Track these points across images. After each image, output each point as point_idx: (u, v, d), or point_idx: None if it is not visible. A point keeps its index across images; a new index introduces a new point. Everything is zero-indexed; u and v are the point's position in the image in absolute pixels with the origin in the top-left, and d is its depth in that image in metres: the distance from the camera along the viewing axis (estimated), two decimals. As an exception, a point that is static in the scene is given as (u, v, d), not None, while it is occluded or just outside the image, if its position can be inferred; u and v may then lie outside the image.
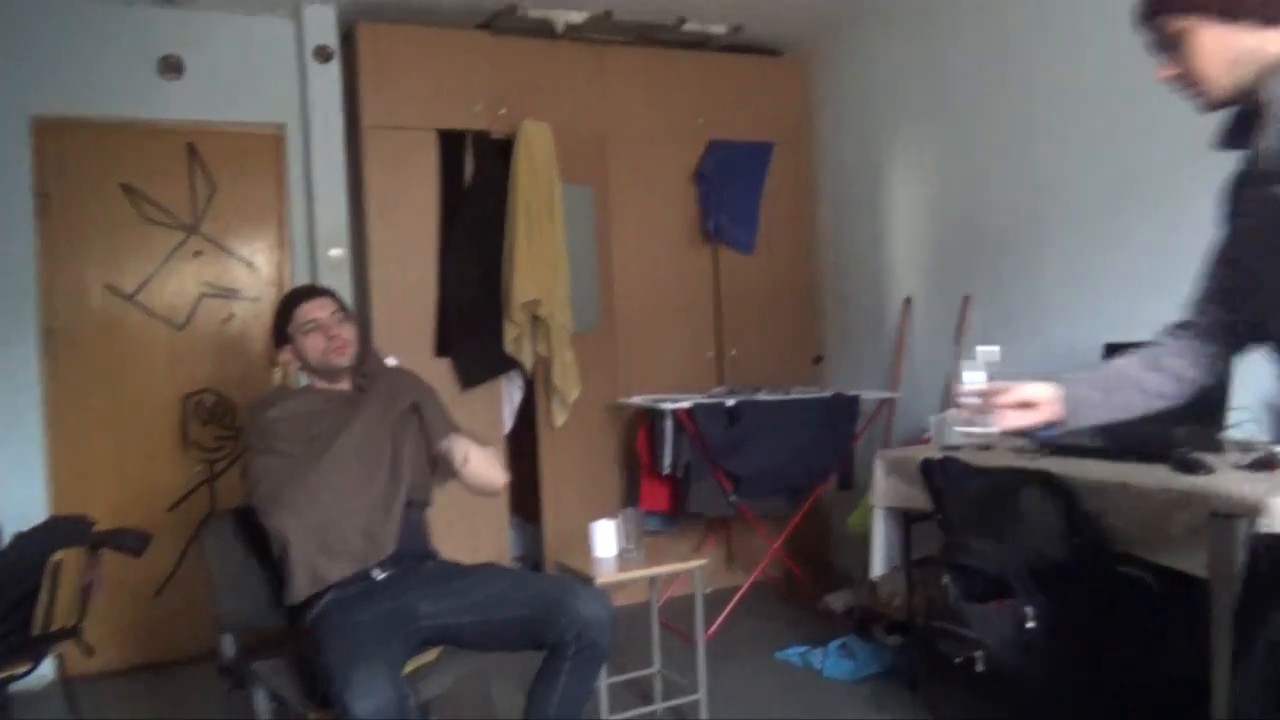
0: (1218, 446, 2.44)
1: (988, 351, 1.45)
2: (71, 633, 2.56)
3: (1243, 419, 2.54)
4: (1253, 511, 1.88)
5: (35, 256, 3.54)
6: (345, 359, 2.28)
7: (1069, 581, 2.31)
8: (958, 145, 3.80)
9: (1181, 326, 1.58)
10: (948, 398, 3.74)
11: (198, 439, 3.80)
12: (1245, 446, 2.44)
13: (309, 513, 2.09)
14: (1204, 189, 2.91)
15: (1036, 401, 1.51)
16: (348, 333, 2.30)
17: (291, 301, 2.36)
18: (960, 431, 1.47)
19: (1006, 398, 1.48)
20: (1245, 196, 1.41)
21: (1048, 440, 2.71)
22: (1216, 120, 2.81)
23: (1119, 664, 2.19)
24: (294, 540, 2.08)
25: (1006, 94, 3.54)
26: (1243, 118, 1.37)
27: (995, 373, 1.49)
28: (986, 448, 1.26)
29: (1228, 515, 1.83)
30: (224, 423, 3.83)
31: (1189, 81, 1.39)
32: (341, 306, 2.35)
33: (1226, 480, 2.11)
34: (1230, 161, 1.32)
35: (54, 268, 3.59)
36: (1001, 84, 3.57)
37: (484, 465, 2.24)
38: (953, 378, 3.77)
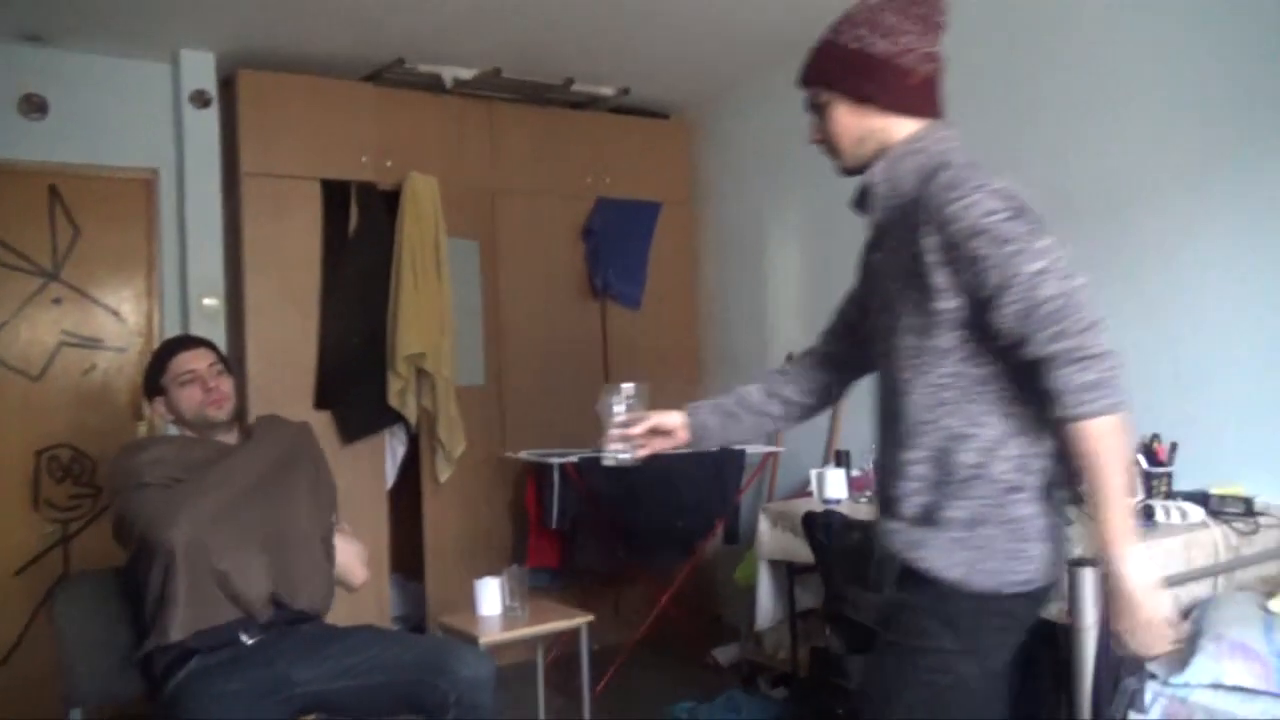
0: (1076, 499, 2.57)
1: (627, 388, 1.69)
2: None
3: (1097, 471, 2.70)
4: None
5: None
6: (223, 413, 2.19)
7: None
8: (832, 208, 3.92)
9: (805, 353, 1.79)
10: (829, 452, 3.85)
11: (51, 497, 3.55)
12: (1099, 498, 2.60)
13: (201, 539, 1.98)
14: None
15: (669, 428, 1.70)
16: (226, 385, 2.22)
17: (166, 352, 2.25)
18: (609, 459, 1.69)
19: (641, 427, 1.67)
20: (863, 257, 1.62)
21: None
22: (1076, 192, 3.02)
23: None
24: (182, 567, 1.95)
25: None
26: (866, 187, 1.52)
27: (632, 405, 1.69)
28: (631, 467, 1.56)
29: (1083, 563, 1.93)
30: (81, 480, 3.60)
31: (828, 147, 1.55)
32: (220, 358, 2.27)
33: (1082, 530, 2.23)
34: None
35: (-106, 313, 3.33)
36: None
37: (350, 560, 2.25)
38: (833, 431, 3.89)
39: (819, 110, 1.53)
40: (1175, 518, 2.27)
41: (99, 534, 3.54)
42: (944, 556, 1.41)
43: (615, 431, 1.67)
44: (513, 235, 4.23)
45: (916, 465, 1.44)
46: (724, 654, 3.86)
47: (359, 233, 3.83)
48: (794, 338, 4.20)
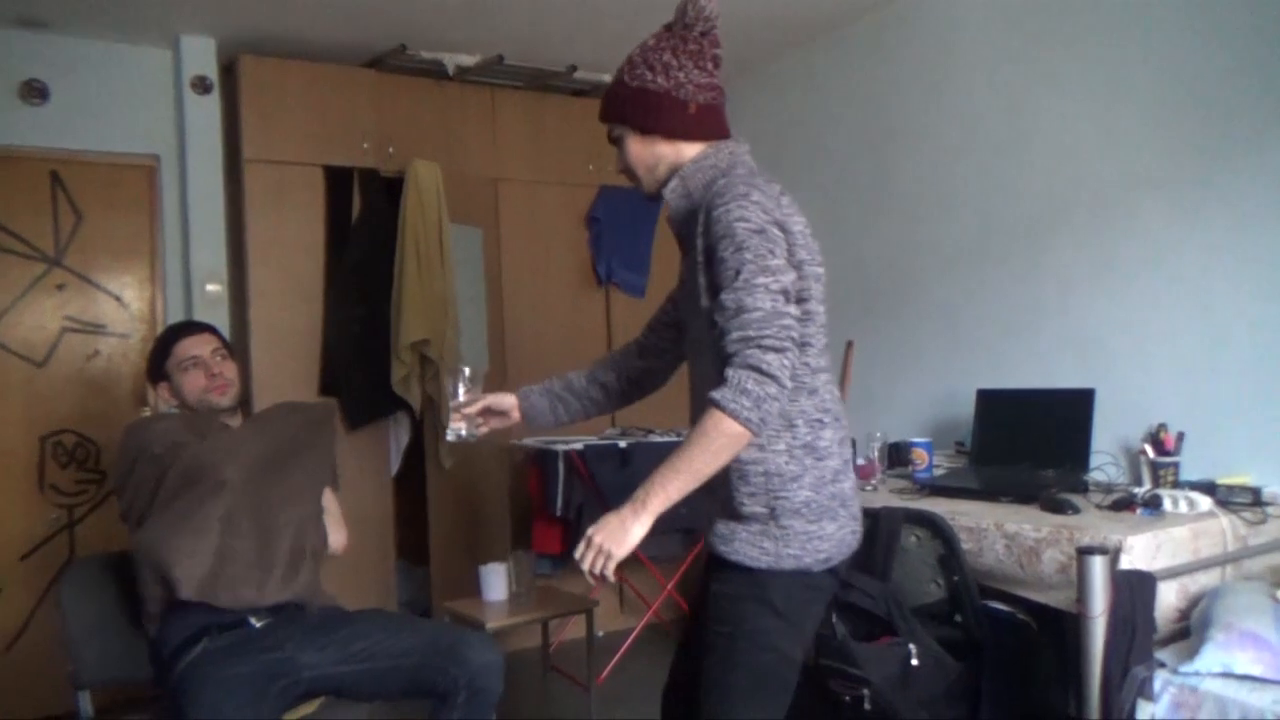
0: (1082, 487, 2.58)
1: (464, 371, 1.87)
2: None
3: (1103, 462, 2.71)
4: (1115, 549, 1.99)
5: (-126, 287, 3.28)
6: (227, 398, 2.19)
7: (948, 619, 2.39)
8: (840, 197, 3.96)
9: (630, 343, 1.93)
10: (832, 439, 3.85)
11: (56, 482, 3.55)
12: (1105, 488, 2.60)
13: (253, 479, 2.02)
14: (1064, 243, 3.13)
15: (503, 409, 1.87)
16: (230, 371, 2.22)
17: (170, 337, 2.25)
18: (451, 434, 1.85)
19: (476, 406, 1.83)
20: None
21: (928, 482, 2.83)
22: (1078, 184, 3.03)
23: (996, 698, 2.28)
24: (233, 503, 1.99)
25: (883, 146, 3.72)
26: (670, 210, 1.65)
27: (470, 388, 1.85)
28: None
29: (1093, 551, 1.93)
30: (86, 465, 3.60)
31: (629, 174, 1.69)
32: (224, 343, 2.26)
33: (1091, 520, 2.23)
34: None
35: (-104, 299, 3.32)
36: (877, 137, 3.74)
37: (331, 525, 2.25)
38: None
39: (617, 143, 1.68)
40: (1183, 507, 2.26)
41: (104, 519, 3.54)
42: (752, 548, 1.56)
43: (455, 411, 1.83)
44: (516, 223, 4.22)
45: None
46: (727, 641, 3.86)
47: (362, 219, 3.82)
48: (798, 325, 4.19)
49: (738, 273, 1.45)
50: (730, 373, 1.43)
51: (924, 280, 3.56)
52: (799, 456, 1.53)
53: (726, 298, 1.46)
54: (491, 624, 2.48)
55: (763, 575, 1.54)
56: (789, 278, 1.48)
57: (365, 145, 3.86)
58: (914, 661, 2.26)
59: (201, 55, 3.70)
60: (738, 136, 1.66)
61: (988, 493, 2.60)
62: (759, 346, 1.42)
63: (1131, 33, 2.83)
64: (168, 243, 3.75)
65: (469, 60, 3.98)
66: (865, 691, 2.30)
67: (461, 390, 1.85)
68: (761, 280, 1.44)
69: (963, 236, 3.40)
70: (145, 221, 3.75)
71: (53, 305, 3.59)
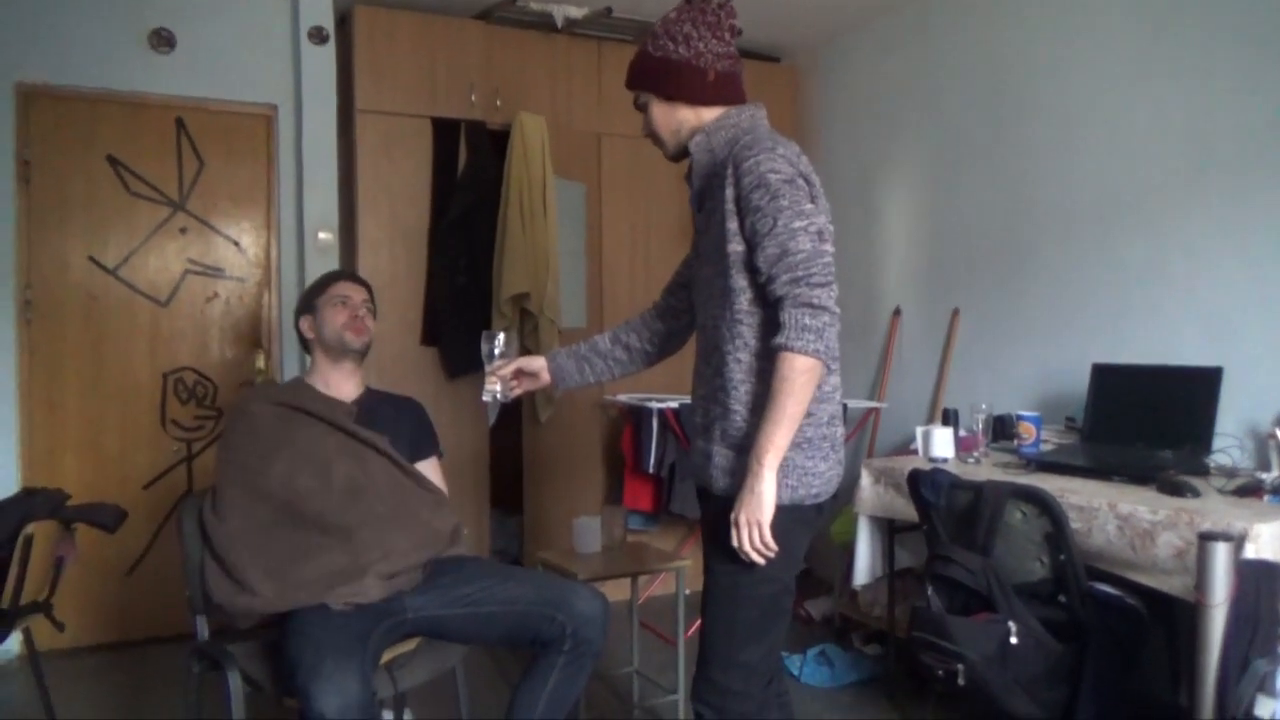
0: (1203, 470, 2.45)
1: (499, 336, 1.96)
2: (41, 607, 2.51)
3: (1227, 444, 2.57)
4: (1240, 536, 1.88)
5: (14, 224, 3.47)
6: (359, 342, 2.28)
7: (1051, 599, 2.32)
8: (950, 157, 3.81)
9: (651, 306, 2.02)
10: (935, 409, 3.76)
11: (177, 418, 3.74)
12: (1229, 472, 2.46)
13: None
14: (1193, 210, 2.95)
15: (533, 371, 1.98)
16: (369, 321, 2.33)
17: (332, 275, 2.40)
18: (486, 395, 1.94)
19: (508, 369, 1.94)
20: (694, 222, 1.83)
21: (1034, 457, 2.73)
22: (1215, 145, 2.86)
23: (1099, 683, 2.20)
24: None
25: (999, 108, 3.56)
26: (690, 161, 1.76)
27: (504, 351, 1.95)
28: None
29: (1216, 538, 1.84)
30: (204, 402, 3.78)
31: (654, 139, 1.81)
32: (373, 301, 2.39)
33: (1213, 504, 2.12)
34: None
35: (34, 237, 3.52)
36: (994, 98, 3.58)
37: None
38: (939, 389, 3.79)
39: (642, 109, 1.80)
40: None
41: (219, 455, 3.71)
42: None
43: (490, 373, 1.93)
44: (617, 178, 4.21)
45: (722, 395, 1.67)
46: (816, 607, 3.84)
47: (467, 171, 3.86)
48: (903, 293, 4.09)
49: (776, 220, 1.56)
50: (785, 315, 1.53)
51: (1038, 247, 3.41)
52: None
53: (769, 244, 1.56)
54: (583, 575, 2.51)
55: None
56: (822, 220, 1.59)
57: (473, 98, 3.89)
58: (1013, 640, 2.20)
59: (318, 5, 3.77)
60: (754, 101, 1.76)
61: (1100, 471, 2.49)
62: (807, 284, 1.53)
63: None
64: (283, 190, 3.87)
65: (577, 12, 3.95)
66: (959, 667, 2.25)
67: (496, 353, 1.94)
68: (799, 224, 1.55)
69: (1082, 201, 3.23)
70: (262, 169, 3.87)
71: (176, 248, 3.75)
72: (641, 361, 2.02)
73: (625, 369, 2.03)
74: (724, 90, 1.73)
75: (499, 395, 1.94)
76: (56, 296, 3.56)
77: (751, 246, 1.59)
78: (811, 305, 1.52)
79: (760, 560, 1.58)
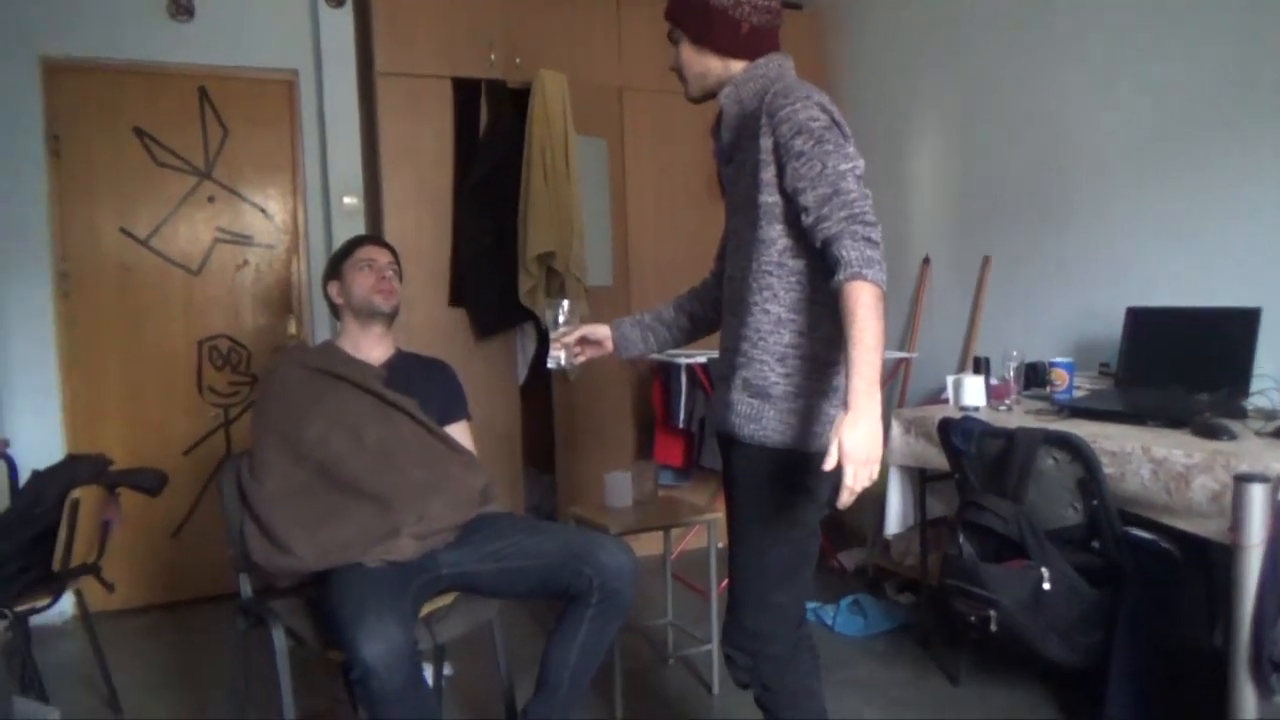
0: (1240, 413, 2.42)
1: (564, 303, 1.96)
2: (91, 568, 2.59)
3: (1266, 386, 2.52)
4: (1277, 477, 1.86)
5: (47, 198, 3.52)
6: (387, 305, 2.30)
7: (1085, 544, 2.31)
8: (979, 103, 3.73)
9: (711, 274, 1.99)
10: (966, 358, 3.72)
11: (213, 384, 3.80)
12: (1268, 414, 2.43)
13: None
14: (1231, 154, 2.89)
15: (597, 339, 1.98)
16: (396, 284, 2.35)
17: (356, 240, 2.41)
18: (551, 362, 1.96)
19: (573, 336, 1.94)
20: (720, 175, 1.81)
21: (1067, 403, 2.70)
22: (1256, 82, 2.78)
23: (1133, 628, 2.20)
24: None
25: (1030, 51, 3.47)
26: (719, 114, 1.74)
27: (568, 319, 1.95)
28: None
29: (1253, 479, 1.82)
30: (239, 369, 3.84)
31: (679, 75, 1.78)
32: (398, 263, 2.40)
33: (1250, 446, 2.10)
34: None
35: (66, 210, 3.57)
36: (1025, 41, 3.49)
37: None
38: (970, 338, 3.75)
39: (674, 42, 1.76)
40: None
41: (255, 420, 3.78)
42: (780, 424, 1.65)
43: (555, 340, 1.94)
44: (640, 134, 4.17)
45: (747, 345, 1.67)
46: (848, 558, 3.86)
47: (490, 131, 3.84)
48: (932, 241, 4.03)
49: (825, 163, 1.54)
50: (845, 249, 1.50)
51: (1070, 191, 3.34)
52: (835, 344, 1.59)
53: (820, 185, 1.54)
54: (615, 529, 2.54)
55: (786, 454, 1.62)
56: (861, 164, 1.58)
57: (492, 57, 3.86)
58: (1046, 585, 2.20)
59: (335, -32, 3.75)
60: (783, 52, 1.73)
61: (1134, 416, 2.47)
62: (863, 222, 1.52)
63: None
64: (307, 156, 3.88)
65: (595, -35, 3.89)
66: (992, 613, 2.26)
67: (561, 321, 1.94)
68: (846, 166, 1.55)
69: (1115, 143, 3.16)
70: (286, 135, 3.89)
71: (204, 217, 3.78)
72: (704, 329, 2.00)
73: (690, 336, 2.02)
74: (756, 44, 1.70)
75: (563, 362, 1.95)
76: (91, 268, 3.61)
77: (794, 192, 1.57)
78: (870, 240, 1.51)
79: (858, 484, 1.47)
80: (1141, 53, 3.05)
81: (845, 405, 1.46)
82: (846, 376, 1.48)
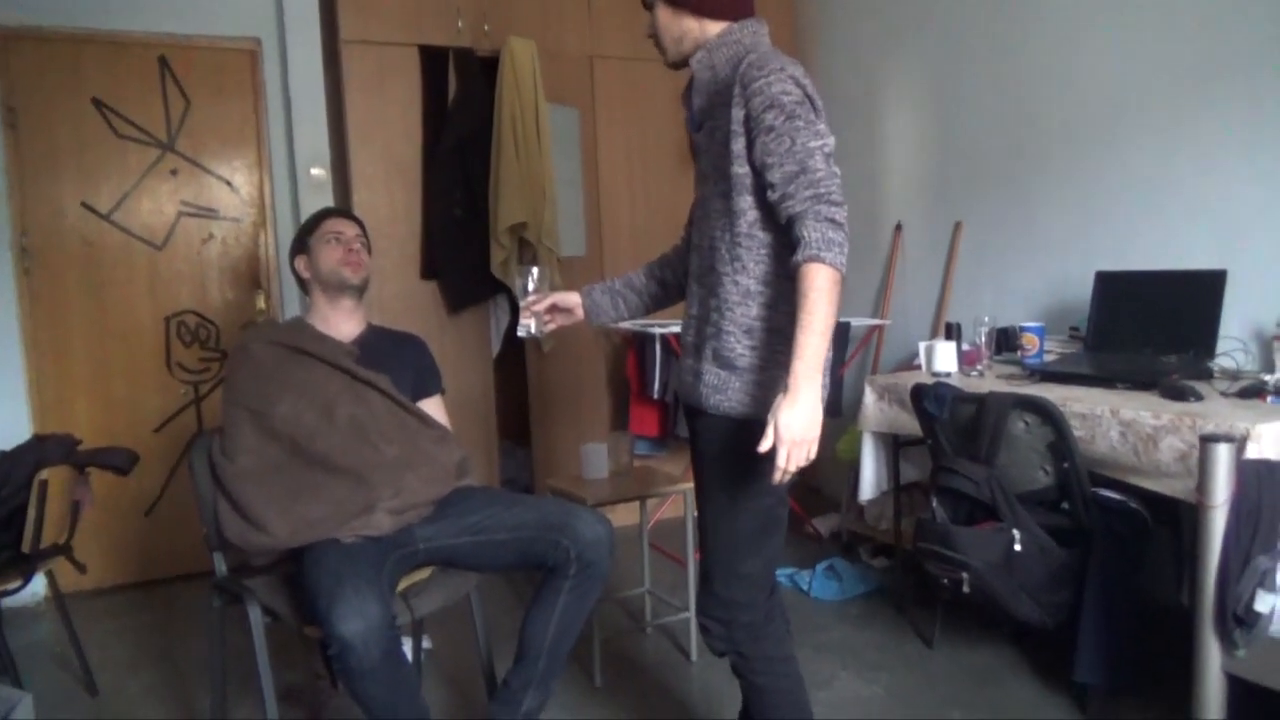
0: (1206, 374, 2.45)
1: (534, 271, 1.96)
2: (62, 549, 2.56)
3: (1232, 348, 2.56)
4: (1242, 437, 1.89)
5: (4, 173, 3.43)
6: (356, 277, 2.27)
7: (1055, 506, 2.35)
8: (951, 69, 3.73)
9: (681, 240, 1.97)
10: (938, 324, 3.75)
11: (182, 360, 3.75)
12: (1233, 375, 2.47)
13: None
14: (1198, 118, 2.90)
15: (568, 306, 1.98)
16: (364, 256, 2.31)
17: (322, 214, 2.37)
18: (521, 330, 1.96)
19: (544, 304, 1.94)
20: (691, 141, 1.79)
21: (1038, 368, 2.73)
22: (1225, 44, 2.78)
23: (1103, 587, 2.24)
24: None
25: (1001, 13, 3.46)
26: (691, 79, 1.73)
27: (538, 286, 1.95)
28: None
29: (1217, 440, 1.85)
30: (208, 344, 3.79)
31: (655, 42, 1.77)
32: (366, 236, 2.36)
33: (1216, 407, 2.13)
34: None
35: (25, 185, 3.48)
36: (996, 8, 3.48)
37: None
38: (942, 303, 3.78)
39: (649, 7, 1.75)
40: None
41: (226, 397, 3.73)
42: (745, 396, 1.66)
43: (525, 308, 1.93)
44: (612, 102, 4.13)
45: (716, 315, 1.67)
46: (824, 523, 3.90)
47: (459, 101, 3.78)
48: (904, 208, 4.04)
49: (793, 139, 1.54)
50: (807, 229, 1.51)
51: (1042, 156, 3.35)
52: (794, 318, 1.57)
53: (787, 162, 1.54)
54: (592, 501, 2.54)
55: (752, 424, 1.60)
56: (832, 141, 1.58)
57: (460, 24, 3.79)
58: (1017, 547, 2.24)
59: (297, -67, 3.66)
60: (759, 16, 1.72)
61: (1103, 379, 2.50)
62: (828, 202, 1.52)
63: None
64: (272, 127, 3.81)
65: (563, -70, 3.83)
66: (964, 575, 2.30)
67: (531, 288, 1.94)
68: (815, 144, 1.54)
69: (1086, 108, 3.17)
70: (250, 106, 3.81)
71: (168, 190, 3.71)
72: (676, 295, 1.99)
73: (660, 304, 2.02)
74: (732, 5, 1.68)
75: (534, 330, 1.94)
76: (53, 244, 3.54)
77: (763, 166, 1.56)
78: (833, 221, 1.51)
79: (792, 464, 1.51)
80: (1110, 18, 3.06)
81: (784, 386, 1.50)
82: (790, 356, 1.50)
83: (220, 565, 2.17)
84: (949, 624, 2.86)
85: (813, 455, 1.51)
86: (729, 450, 1.69)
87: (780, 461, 1.49)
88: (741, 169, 1.60)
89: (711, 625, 1.74)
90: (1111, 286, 2.89)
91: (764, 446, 1.49)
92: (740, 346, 1.65)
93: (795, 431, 1.48)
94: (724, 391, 1.67)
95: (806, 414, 1.48)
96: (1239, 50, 2.70)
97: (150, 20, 3.59)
